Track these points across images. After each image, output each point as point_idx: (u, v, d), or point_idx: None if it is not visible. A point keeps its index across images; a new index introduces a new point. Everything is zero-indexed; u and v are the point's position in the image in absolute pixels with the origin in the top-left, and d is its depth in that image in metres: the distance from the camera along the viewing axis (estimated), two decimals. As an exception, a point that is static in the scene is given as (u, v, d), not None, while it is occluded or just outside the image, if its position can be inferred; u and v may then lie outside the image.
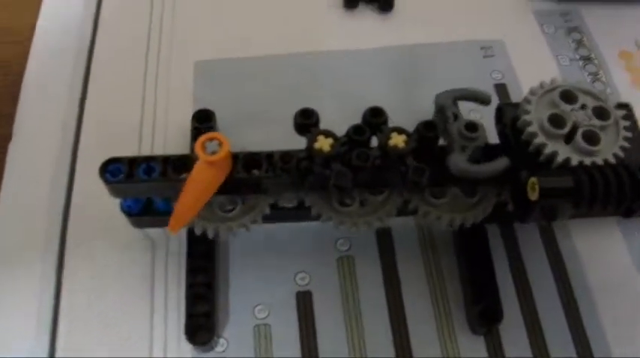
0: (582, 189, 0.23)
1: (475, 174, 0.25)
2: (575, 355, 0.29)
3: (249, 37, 0.39)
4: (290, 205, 0.29)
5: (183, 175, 0.26)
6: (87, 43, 0.38)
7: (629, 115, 0.27)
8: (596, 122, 0.25)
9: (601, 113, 0.26)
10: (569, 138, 0.25)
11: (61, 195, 0.33)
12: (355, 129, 0.26)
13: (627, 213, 0.26)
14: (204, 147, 0.25)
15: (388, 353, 0.29)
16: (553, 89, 0.26)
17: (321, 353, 0.28)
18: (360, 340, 0.29)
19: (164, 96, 0.36)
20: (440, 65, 0.37)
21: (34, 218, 0.32)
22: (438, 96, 0.28)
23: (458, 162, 0.25)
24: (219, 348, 0.28)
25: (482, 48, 0.38)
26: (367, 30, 0.39)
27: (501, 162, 0.25)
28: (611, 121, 0.25)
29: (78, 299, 0.30)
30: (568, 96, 0.26)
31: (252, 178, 0.26)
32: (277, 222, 0.30)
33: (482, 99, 0.28)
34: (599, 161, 0.24)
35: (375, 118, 0.27)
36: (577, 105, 0.26)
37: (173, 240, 0.31)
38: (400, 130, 0.26)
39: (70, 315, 0.29)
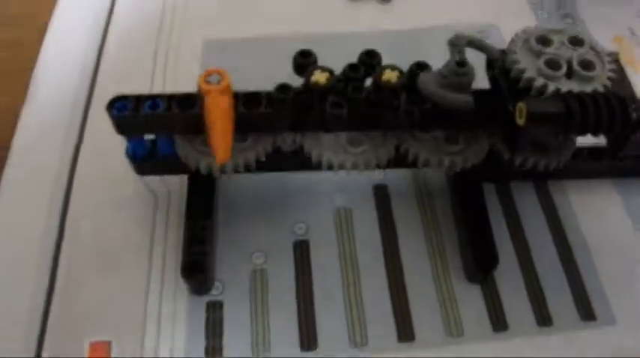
0: (570, 113, 0.24)
1: (440, 98, 0.26)
2: (572, 302, 0.28)
3: (258, 20, 0.41)
4: (289, 149, 0.30)
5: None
6: (102, 23, 0.41)
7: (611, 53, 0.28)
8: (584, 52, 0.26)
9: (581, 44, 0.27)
10: (568, 76, 0.26)
11: (69, 154, 0.34)
12: (351, 67, 0.27)
13: (613, 154, 0.27)
14: (207, 81, 0.26)
15: (384, 300, 0.29)
16: (529, 37, 0.27)
17: (316, 298, 0.28)
18: (356, 286, 0.29)
19: (172, 74, 0.38)
20: (437, 48, 0.39)
21: (43, 175, 0.33)
22: (454, 36, 0.28)
23: (427, 81, 0.26)
24: (214, 291, 0.29)
25: (477, 32, 0.40)
26: (369, 17, 0.41)
27: (465, 97, 0.26)
28: (595, 72, 0.26)
29: (78, 247, 0.30)
30: (544, 40, 0.27)
31: (252, 114, 0.27)
32: (277, 170, 0.31)
33: (491, 54, 0.29)
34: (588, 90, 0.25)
35: (369, 58, 0.28)
36: (555, 46, 0.27)
37: (174, 194, 0.32)
38: (393, 67, 0.27)
39: (70, 261, 0.30)
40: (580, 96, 0.24)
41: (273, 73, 0.27)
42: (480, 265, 0.28)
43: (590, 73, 0.26)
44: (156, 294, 0.28)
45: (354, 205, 0.32)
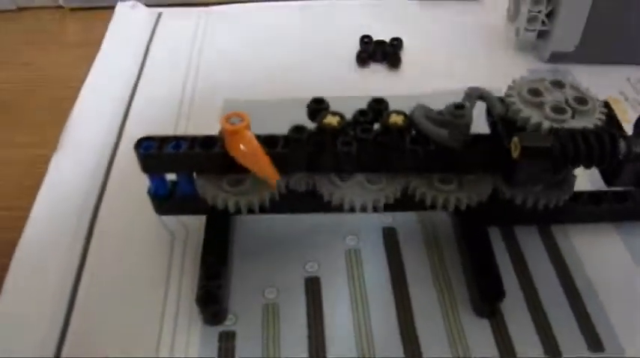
0: (562, 148, 0.26)
1: (424, 129, 0.28)
2: (579, 333, 0.29)
3: (275, 86, 0.44)
4: (302, 189, 0.31)
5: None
6: (130, 88, 0.44)
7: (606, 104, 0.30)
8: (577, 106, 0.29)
9: (580, 100, 0.29)
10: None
11: (95, 193, 0.36)
12: (360, 112, 0.30)
13: (609, 180, 0.28)
14: (229, 123, 0.29)
15: (394, 335, 0.29)
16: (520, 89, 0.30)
17: (327, 332, 0.29)
18: (366, 323, 0.30)
19: (194, 130, 0.41)
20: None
21: (70, 209, 0.35)
22: (469, 87, 0.30)
23: (419, 113, 0.28)
24: (227, 322, 0.30)
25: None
26: (379, 83, 0.45)
27: (443, 131, 0.28)
28: (589, 106, 0.29)
29: (97, 278, 0.31)
30: (536, 92, 0.30)
31: (269, 153, 0.29)
32: (291, 212, 0.33)
33: (497, 109, 0.31)
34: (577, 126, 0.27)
35: (377, 105, 0.30)
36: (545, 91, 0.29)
37: (192, 235, 0.33)
38: (399, 112, 0.29)
39: (88, 295, 0.31)
40: (571, 132, 0.26)
41: (288, 126, 0.30)
42: (487, 297, 0.29)
43: (585, 107, 0.28)
44: (170, 324, 0.29)
45: (363, 246, 0.33)
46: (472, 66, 0.46)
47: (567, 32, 0.44)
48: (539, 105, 0.29)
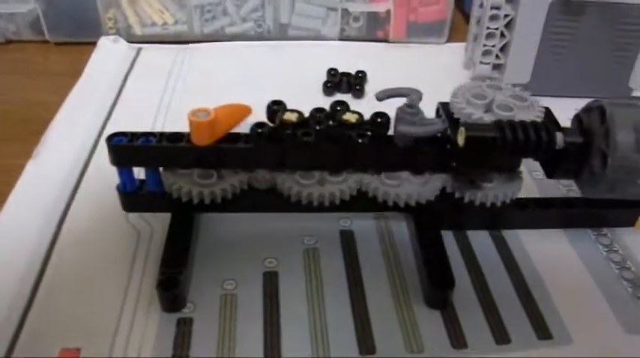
0: (503, 136, 0.28)
1: (415, 133, 0.30)
2: (528, 323, 0.30)
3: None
4: (262, 187, 0.33)
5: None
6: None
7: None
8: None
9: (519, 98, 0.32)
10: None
11: (68, 191, 0.38)
12: (316, 109, 0.32)
13: (549, 173, 0.30)
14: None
15: (347, 320, 0.30)
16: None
17: (283, 320, 0.30)
18: (321, 316, 0.30)
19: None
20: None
21: (45, 199, 0.37)
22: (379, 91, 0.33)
23: (401, 127, 0.30)
24: (186, 310, 0.30)
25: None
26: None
27: (438, 123, 0.30)
28: (528, 103, 0.31)
29: (60, 275, 0.32)
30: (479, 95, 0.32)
31: (232, 149, 0.31)
32: (252, 210, 0.34)
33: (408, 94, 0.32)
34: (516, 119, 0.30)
35: (338, 105, 0.33)
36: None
37: (157, 233, 0.34)
38: (354, 111, 0.32)
39: (53, 278, 0.32)
40: (511, 122, 0.29)
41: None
42: (437, 285, 0.30)
43: (525, 103, 0.30)
44: (129, 313, 0.30)
45: (321, 245, 0.34)
46: (431, 98, 0.48)
47: (519, 65, 0.47)
48: (487, 105, 0.31)
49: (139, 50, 0.54)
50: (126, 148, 0.31)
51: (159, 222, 0.35)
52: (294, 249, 0.34)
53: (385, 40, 0.58)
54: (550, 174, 0.31)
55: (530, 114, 0.31)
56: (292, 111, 0.32)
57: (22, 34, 0.56)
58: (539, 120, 0.30)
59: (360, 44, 0.57)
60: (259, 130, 0.31)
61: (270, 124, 0.31)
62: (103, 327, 0.29)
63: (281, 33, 0.57)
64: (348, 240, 0.35)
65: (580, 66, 0.47)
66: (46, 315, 0.30)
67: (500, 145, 0.28)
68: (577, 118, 0.31)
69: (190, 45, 0.56)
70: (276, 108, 0.32)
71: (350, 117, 0.31)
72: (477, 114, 0.30)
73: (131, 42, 0.55)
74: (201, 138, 0.31)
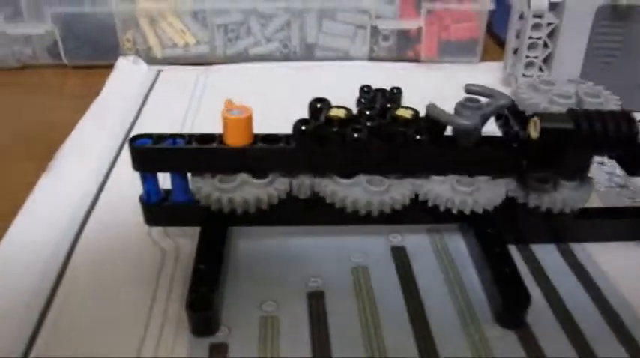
0: (578, 125, 0.25)
1: (438, 115, 0.27)
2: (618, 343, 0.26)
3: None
4: (303, 196, 0.29)
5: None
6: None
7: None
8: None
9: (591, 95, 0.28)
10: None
11: (88, 202, 0.34)
12: (365, 105, 0.29)
13: (630, 170, 0.26)
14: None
15: (408, 347, 0.26)
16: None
17: (334, 348, 0.26)
18: (378, 339, 0.26)
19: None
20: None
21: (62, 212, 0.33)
22: (467, 84, 0.30)
23: (431, 106, 0.27)
24: (220, 333, 0.26)
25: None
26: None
27: (457, 117, 0.27)
28: (601, 99, 0.28)
29: (78, 283, 0.29)
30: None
31: (271, 149, 0.28)
32: (290, 223, 0.30)
33: (503, 99, 0.30)
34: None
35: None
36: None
37: (184, 252, 0.31)
38: (408, 107, 0.28)
39: (64, 301, 0.28)
40: (587, 111, 0.25)
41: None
42: (512, 304, 0.26)
43: (598, 100, 0.27)
44: (154, 333, 0.26)
45: (371, 263, 0.30)
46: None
47: (565, 77, 0.44)
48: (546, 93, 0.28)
49: (158, 72, 0.52)
50: (151, 151, 0.28)
51: (186, 240, 0.31)
52: (340, 267, 0.30)
53: (416, 60, 0.55)
54: (632, 170, 0.27)
55: (605, 106, 0.27)
56: (339, 107, 0.28)
57: (38, 58, 0.54)
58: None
59: (391, 64, 0.55)
60: (303, 127, 0.27)
61: (314, 122, 0.28)
62: (122, 354, 0.25)
63: (307, 53, 0.55)
64: (400, 257, 0.31)
65: (630, 75, 0.44)
66: (56, 340, 0.26)
67: (579, 138, 0.25)
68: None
69: (212, 66, 0.53)
70: (320, 106, 0.29)
71: (404, 113, 0.28)
72: (543, 103, 0.27)
73: (151, 64, 0.53)
74: (238, 138, 0.28)
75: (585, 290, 0.29)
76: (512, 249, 0.31)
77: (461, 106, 0.28)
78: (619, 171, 0.38)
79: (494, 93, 0.28)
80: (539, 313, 0.27)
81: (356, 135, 0.27)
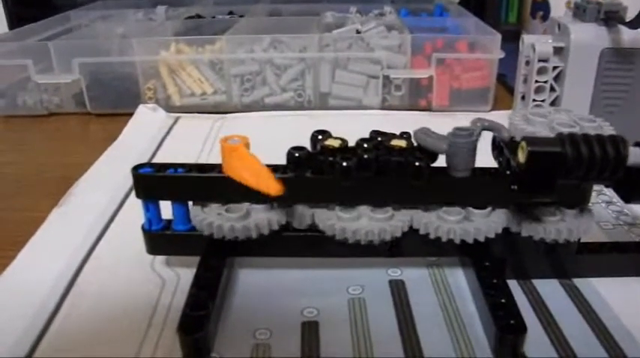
0: (567, 153, 0.25)
1: (422, 141, 0.27)
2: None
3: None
4: (302, 226, 0.30)
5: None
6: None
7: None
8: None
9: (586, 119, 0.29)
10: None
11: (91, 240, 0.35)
12: (362, 139, 0.29)
13: (626, 196, 0.26)
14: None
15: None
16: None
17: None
18: (369, 368, 0.26)
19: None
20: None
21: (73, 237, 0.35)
22: (474, 119, 0.30)
23: (419, 131, 0.28)
24: (211, 360, 0.26)
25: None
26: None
27: (441, 144, 0.27)
28: (596, 124, 0.28)
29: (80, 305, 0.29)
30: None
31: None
32: (288, 254, 0.31)
33: (503, 133, 0.30)
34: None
35: (380, 135, 0.30)
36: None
37: (183, 282, 0.31)
38: (403, 137, 0.29)
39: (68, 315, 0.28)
40: (572, 135, 0.25)
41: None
42: (506, 331, 0.25)
43: (593, 124, 0.27)
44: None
45: (368, 295, 0.30)
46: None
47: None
48: (547, 125, 0.28)
49: (176, 119, 0.54)
50: (153, 179, 0.29)
51: (186, 272, 0.31)
52: (337, 299, 0.30)
53: (428, 109, 0.56)
54: (627, 197, 0.26)
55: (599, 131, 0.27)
56: (336, 138, 0.29)
57: (64, 106, 0.56)
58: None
59: (403, 113, 0.56)
60: (296, 154, 0.28)
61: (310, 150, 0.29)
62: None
63: (321, 102, 0.56)
64: (398, 290, 0.31)
65: (637, 117, 0.44)
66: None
67: (566, 160, 0.25)
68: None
69: (229, 114, 0.55)
70: (320, 137, 0.30)
71: (399, 142, 0.28)
72: (542, 133, 0.27)
73: (170, 112, 0.55)
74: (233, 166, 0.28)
75: (587, 324, 0.28)
76: (514, 284, 0.31)
77: (454, 136, 0.28)
78: (627, 209, 0.37)
79: (500, 128, 0.29)
80: (539, 346, 0.27)
81: (344, 163, 0.27)
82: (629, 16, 0.43)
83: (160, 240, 0.31)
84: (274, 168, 0.29)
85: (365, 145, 0.29)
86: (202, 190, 0.29)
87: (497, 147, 0.30)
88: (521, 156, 0.25)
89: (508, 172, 0.28)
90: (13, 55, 0.56)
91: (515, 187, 0.26)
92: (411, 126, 0.50)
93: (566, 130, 0.26)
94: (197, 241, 0.30)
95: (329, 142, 0.28)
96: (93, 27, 0.68)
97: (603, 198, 0.39)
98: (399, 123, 0.53)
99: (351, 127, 0.51)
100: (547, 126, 0.28)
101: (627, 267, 0.31)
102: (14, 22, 0.78)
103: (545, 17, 0.71)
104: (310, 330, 0.28)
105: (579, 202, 0.29)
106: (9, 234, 0.36)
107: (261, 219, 0.29)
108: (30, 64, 0.54)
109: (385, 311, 0.29)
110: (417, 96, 0.56)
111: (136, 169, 0.29)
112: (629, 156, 0.25)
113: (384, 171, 0.28)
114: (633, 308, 0.29)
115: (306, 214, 0.30)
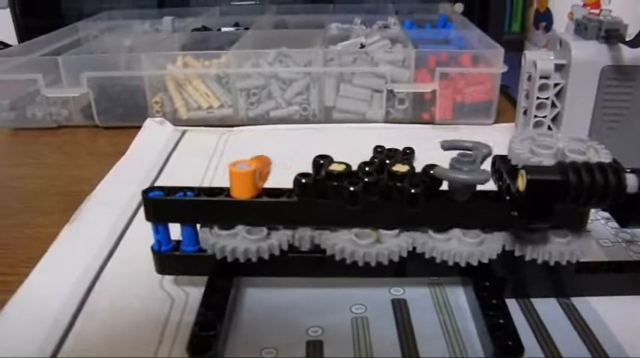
0: (566, 178, 0.25)
1: (453, 179, 0.28)
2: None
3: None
4: (305, 248, 0.31)
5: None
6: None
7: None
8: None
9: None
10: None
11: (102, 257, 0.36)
12: (365, 163, 0.30)
13: (622, 222, 0.27)
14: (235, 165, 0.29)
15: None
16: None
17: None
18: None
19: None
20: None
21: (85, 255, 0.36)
22: (443, 141, 0.32)
23: (440, 170, 0.28)
24: (220, 379, 0.27)
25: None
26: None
27: (482, 174, 0.28)
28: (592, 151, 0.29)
29: (87, 332, 0.30)
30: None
31: (275, 203, 0.29)
32: (293, 275, 0.32)
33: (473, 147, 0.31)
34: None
35: (384, 156, 0.31)
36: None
37: (192, 301, 0.32)
38: (406, 163, 0.30)
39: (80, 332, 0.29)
40: (575, 164, 0.26)
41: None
42: (503, 352, 0.26)
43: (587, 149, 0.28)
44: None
45: (371, 314, 0.31)
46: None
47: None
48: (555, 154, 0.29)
49: (183, 132, 0.55)
50: (162, 202, 0.30)
51: (194, 291, 0.32)
52: (341, 318, 0.31)
53: (431, 122, 0.57)
54: (623, 222, 0.27)
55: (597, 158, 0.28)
56: (340, 162, 0.30)
57: (73, 119, 0.57)
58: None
59: (407, 126, 0.57)
60: (303, 181, 0.29)
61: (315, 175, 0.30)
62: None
63: (326, 116, 0.57)
64: (401, 309, 0.31)
65: (637, 134, 0.44)
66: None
67: (566, 189, 0.25)
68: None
69: (235, 128, 0.56)
70: (322, 162, 0.31)
71: (400, 168, 0.29)
72: (545, 162, 0.28)
73: (176, 125, 0.56)
74: (243, 191, 0.29)
75: (584, 343, 0.29)
76: (513, 303, 0.31)
77: (456, 161, 0.29)
78: (626, 228, 0.38)
79: (474, 145, 0.30)
80: (536, 364, 0.27)
81: (352, 188, 0.28)
82: (630, 33, 0.43)
83: (169, 260, 0.31)
84: (280, 193, 0.30)
85: (367, 169, 0.30)
86: (210, 213, 0.30)
87: (496, 171, 0.31)
88: (521, 184, 0.26)
89: (507, 197, 0.28)
90: (22, 69, 0.57)
91: (516, 213, 0.27)
92: (414, 139, 0.52)
93: (573, 156, 0.27)
94: (205, 262, 0.31)
95: (334, 167, 0.29)
96: (101, 39, 0.69)
97: (603, 215, 0.40)
98: (403, 135, 0.54)
99: (355, 141, 0.52)
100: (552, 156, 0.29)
101: (624, 286, 0.31)
102: (22, 32, 0.79)
103: (548, 28, 0.72)
104: (315, 349, 0.29)
105: (577, 225, 0.30)
106: (23, 251, 0.37)
107: (267, 242, 0.30)
108: (39, 78, 0.56)
109: (387, 330, 0.30)
110: (420, 110, 0.57)
111: (146, 193, 0.30)
112: (629, 183, 0.26)
113: (387, 195, 0.29)
114: (629, 327, 0.30)
115: (310, 236, 0.30)
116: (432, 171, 0.29)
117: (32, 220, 0.41)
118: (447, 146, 0.30)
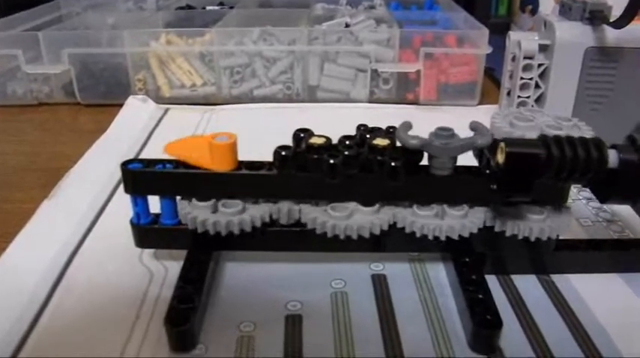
0: (548, 152, 0.25)
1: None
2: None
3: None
4: (285, 222, 0.30)
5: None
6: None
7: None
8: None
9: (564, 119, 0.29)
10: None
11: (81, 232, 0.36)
12: (345, 136, 0.30)
13: (602, 197, 0.27)
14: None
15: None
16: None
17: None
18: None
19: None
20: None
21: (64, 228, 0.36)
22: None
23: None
24: (197, 351, 0.27)
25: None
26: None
27: (415, 140, 0.27)
28: (572, 123, 0.29)
29: (65, 304, 0.30)
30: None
31: (255, 176, 0.29)
32: (274, 249, 0.31)
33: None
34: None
35: (366, 132, 0.31)
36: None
37: (170, 276, 0.32)
38: (386, 137, 0.30)
39: (50, 322, 0.29)
40: (557, 137, 0.26)
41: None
42: (482, 326, 0.26)
43: (570, 123, 0.28)
44: (134, 348, 0.27)
45: (351, 289, 0.31)
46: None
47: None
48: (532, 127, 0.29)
49: (166, 110, 0.54)
50: (141, 174, 0.29)
51: (174, 265, 0.32)
52: (320, 293, 0.31)
53: (416, 103, 0.57)
54: (603, 198, 0.27)
55: (578, 132, 0.28)
56: (320, 136, 0.30)
57: (54, 96, 0.57)
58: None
59: (391, 106, 0.56)
60: (283, 153, 0.29)
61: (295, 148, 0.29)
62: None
63: (310, 95, 0.57)
64: (380, 284, 0.31)
65: (620, 116, 0.45)
66: (40, 349, 0.27)
67: (546, 163, 0.25)
68: (630, 139, 0.28)
69: (218, 106, 0.55)
70: (303, 135, 0.30)
71: (381, 142, 0.29)
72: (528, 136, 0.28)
73: (159, 104, 0.55)
74: (222, 163, 0.29)
75: (563, 320, 0.29)
76: (493, 279, 0.32)
77: (435, 136, 0.29)
78: (607, 206, 0.38)
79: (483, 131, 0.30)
80: (515, 341, 0.27)
81: (331, 161, 0.28)
82: (614, 15, 0.43)
83: (148, 233, 0.31)
84: (260, 166, 0.30)
85: (347, 142, 0.30)
86: (189, 186, 0.30)
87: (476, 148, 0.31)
88: (501, 157, 0.26)
89: (487, 171, 0.28)
90: (2, 45, 0.56)
91: (495, 187, 0.27)
92: (398, 119, 0.51)
93: (553, 132, 0.27)
94: (184, 235, 0.31)
95: (313, 140, 0.29)
96: (83, 16, 0.68)
97: (584, 195, 0.40)
98: (387, 116, 0.54)
99: (339, 120, 0.52)
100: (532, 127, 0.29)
101: (603, 264, 0.32)
102: (3, 8, 0.77)
103: (534, 11, 0.72)
104: (294, 323, 0.29)
105: (558, 200, 0.30)
106: (1, 226, 0.37)
107: (247, 215, 0.29)
108: (19, 54, 0.55)
109: (367, 305, 0.30)
110: (404, 90, 0.57)
111: (125, 165, 0.30)
112: (610, 158, 0.26)
113: (368, 169, 0.29)
114: (607, 304, 0.30)
115: (291, 210, 0.30)
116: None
117: (11, 196, 0.41)
118: (473, 126, 0.30)
